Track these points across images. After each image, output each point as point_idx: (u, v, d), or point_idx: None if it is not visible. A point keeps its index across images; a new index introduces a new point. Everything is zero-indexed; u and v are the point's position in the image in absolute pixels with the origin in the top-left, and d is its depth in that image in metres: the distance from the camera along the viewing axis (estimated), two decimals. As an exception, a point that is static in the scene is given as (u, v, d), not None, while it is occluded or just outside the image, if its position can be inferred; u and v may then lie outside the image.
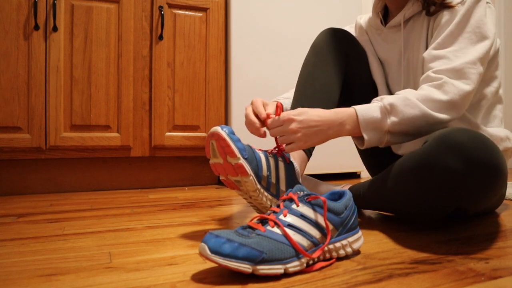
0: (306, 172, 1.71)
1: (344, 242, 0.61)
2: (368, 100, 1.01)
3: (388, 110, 0.76)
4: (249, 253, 0.51)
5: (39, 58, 1.36)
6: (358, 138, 0.82)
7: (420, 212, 0.77)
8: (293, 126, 0.73)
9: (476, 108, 0.88)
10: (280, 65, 1.69)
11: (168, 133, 1.55)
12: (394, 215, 0.95)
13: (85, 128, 1.43)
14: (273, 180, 0.76)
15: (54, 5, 1.35)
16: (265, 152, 0.77)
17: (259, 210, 0.80)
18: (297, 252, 0.54)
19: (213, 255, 0.51)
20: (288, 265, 0.53)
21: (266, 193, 0.75)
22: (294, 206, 0.58)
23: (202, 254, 0.52)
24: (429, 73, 0.80)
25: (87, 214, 1.00)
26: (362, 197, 0.88)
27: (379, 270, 0.56)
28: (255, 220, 0.59)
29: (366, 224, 0.86)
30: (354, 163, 1.83)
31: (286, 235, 0.55)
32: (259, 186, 0.74)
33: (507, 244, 0.70)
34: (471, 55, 0.78)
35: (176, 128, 1.57)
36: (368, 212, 0.99)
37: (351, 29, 1.10)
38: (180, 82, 1.57)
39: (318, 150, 1.75)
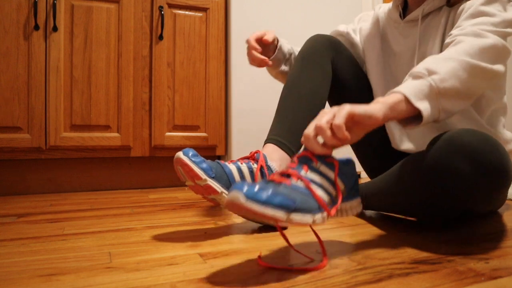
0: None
1: (348, 205, 0.62)
2: (363, 99, 1.02)
3: (425, 74, 0.67)
4: (284, 201, 0.50)
5: (39, 58, 1.36)
6: (410, 121, 0.70)
7: (427, 214, 0.76)
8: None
9: (485, 111, 0.88)
10: (280, 65, 1.69)
11: (168, 133, 1.55)
12: (395, 214, 0.95)
13: (85, 128, 1.43)
14: None
15: (54, 5, 1.35)
16: (236, 162, 0.78)
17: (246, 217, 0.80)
18: (320, 206, 0.55)
19: (249, 201, 0.48)
20: (315, 217, 0.53)
21: None
22: (312, 164, 0.58)
23: (234, 203, 0.48)
24: (455, 34, 0.75)
25: (87, 214, 1.00)
26: (365, 198, 0.88)
27: (379, 270, 0.56)
28: (276, 176, 0.58)
29: (366, 224, 0.86)
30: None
31: (310, 189, 0.55)
32: None
33: (507, 244, 0.70)
34: (500, 17, 0.74)
35: (176, 128, 1.57)
36: (368, 212, 0.99)
37: (367, 16, 1.10)
38: (180, 82, 1.57)
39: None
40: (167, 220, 0.92)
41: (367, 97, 1.02)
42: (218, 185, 0.73)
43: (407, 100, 0.65)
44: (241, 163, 0.78)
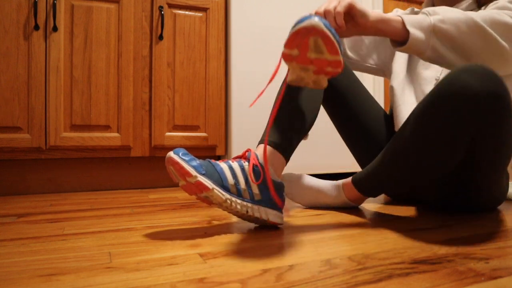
0: (306, 172, 1.71)
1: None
2: (357, 103, 1.04)
3: (430, 12, 0.76)
4: (340, 41, 0.63)
5: (39, 58, 1.36)
6: (399, 44, 0.80)
7: (428, 172, 0.79)
8: None
9: None
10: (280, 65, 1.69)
11: (168, 133, 1.55)
12: (395, 211, 0.95)
13: (85, 128, 1.43)
14: (242, 185, 0.77)
15: (54, 5, 1.35)
16: (228, 161, 0.79)
17: (239, 216, 0.80)
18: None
19: (327, 29, 0.58)
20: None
21: (239, 201, 0.76)
22: None
23: (314, 27, 0.58)
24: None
25: (87, 214, 1.00)
26: (369, 175, 0.90)
27: (379, 270, 0.56)
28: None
29: (367, 223, 0.86)
30: (354, 162, 1.83)
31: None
32: (228, 196, 0.75)
33: (507, 244, 0.70)
34: None
35: (176, 128, 1.57)
36: (368, 212, 0.99)
37: (402, 12, 1.14)
38: (180, 82, 1.57)
39: (317, 150, 1.75)
40: (167, 220, 0.92)
41: (362, 101, 1.06)
42: (209, 182, 0.73)
43: (402, 23, 0.75)
44: (232, 162, 0.79)
